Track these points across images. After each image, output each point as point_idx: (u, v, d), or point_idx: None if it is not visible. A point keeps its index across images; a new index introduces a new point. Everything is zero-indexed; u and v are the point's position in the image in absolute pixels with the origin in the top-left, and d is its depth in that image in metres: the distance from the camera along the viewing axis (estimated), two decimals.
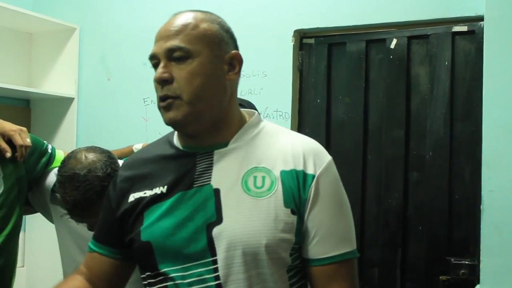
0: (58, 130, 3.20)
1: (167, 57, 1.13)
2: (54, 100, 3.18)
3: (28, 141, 1.79)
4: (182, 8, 1.21)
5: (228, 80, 1.17)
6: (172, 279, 1.14)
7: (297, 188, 1.13)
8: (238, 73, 1.19)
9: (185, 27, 1.14)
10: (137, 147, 2.28)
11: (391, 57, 2.52)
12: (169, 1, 2.92)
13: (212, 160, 1.17)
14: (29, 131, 1.85)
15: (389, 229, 2.48)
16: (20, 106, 3.25)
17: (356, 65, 2.59)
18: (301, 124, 2.70)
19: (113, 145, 2.29)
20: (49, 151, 1.94)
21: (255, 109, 1.87)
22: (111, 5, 3.18)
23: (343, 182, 1.20)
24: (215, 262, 1.11)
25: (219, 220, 1.12)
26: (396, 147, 2.49)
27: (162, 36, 1.15)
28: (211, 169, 1.16)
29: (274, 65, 2.71)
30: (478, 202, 2.10)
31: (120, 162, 1.63)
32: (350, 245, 1.16)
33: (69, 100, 3.17)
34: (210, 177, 1.15)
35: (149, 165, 1.23)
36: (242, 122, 1.22)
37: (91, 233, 1.34)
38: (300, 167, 1.14)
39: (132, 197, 1.21)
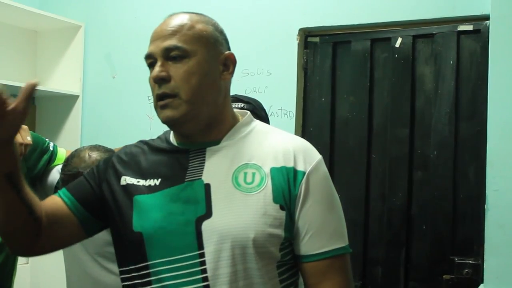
0: (63, 127, 3.20)
1: (164, 56, 1.17)
2: (59, 98, 3.19)
3: (28, 139, 1.79)
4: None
5: (222, 80, 1.21)
6: (158, 272, 1.15)
7: (287, 185, 1.15)
8: (231, 73, 1.22)
9: (181, 27, 1.17)
10: None
11: (396, 56, 2.51)
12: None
13: (204, 156, 1.20)
14: (34, 128, 1.86)
15: (393, 228, 2.47)
16: None
17: (361, 64, 2.58)
18: (305, 123, 2.69)
19: (118, 142, 2.29)
20: (51, 149, 1.94)
21: (263, 108, 1.86)
22: (116, 3, 3.18)
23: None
24: (202, 255, 1.12)
25: (208, 214, 1.13)
26: (401, 146, 2.48)
27: (158, 36, 1.19)
28: (203, 165, 1.18)
29: (278, 64, 2.70)
30: (483, 202, 2.10)
31: None
32: (342, 241, 1.18)
33: (74, 98, 3.18)
34: (202, 173, 1.17)
35: (145, 156, 1.25)
36: (234, 121, 1.25)
37: None
38: (290, 164, 1.16)
39: (124, 180, 1.22)
